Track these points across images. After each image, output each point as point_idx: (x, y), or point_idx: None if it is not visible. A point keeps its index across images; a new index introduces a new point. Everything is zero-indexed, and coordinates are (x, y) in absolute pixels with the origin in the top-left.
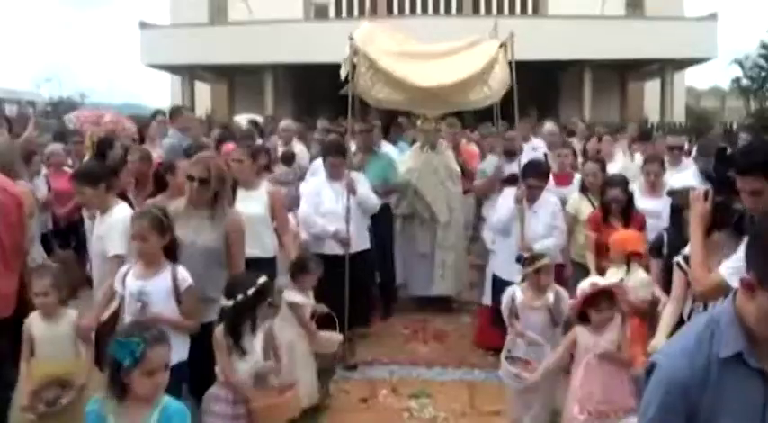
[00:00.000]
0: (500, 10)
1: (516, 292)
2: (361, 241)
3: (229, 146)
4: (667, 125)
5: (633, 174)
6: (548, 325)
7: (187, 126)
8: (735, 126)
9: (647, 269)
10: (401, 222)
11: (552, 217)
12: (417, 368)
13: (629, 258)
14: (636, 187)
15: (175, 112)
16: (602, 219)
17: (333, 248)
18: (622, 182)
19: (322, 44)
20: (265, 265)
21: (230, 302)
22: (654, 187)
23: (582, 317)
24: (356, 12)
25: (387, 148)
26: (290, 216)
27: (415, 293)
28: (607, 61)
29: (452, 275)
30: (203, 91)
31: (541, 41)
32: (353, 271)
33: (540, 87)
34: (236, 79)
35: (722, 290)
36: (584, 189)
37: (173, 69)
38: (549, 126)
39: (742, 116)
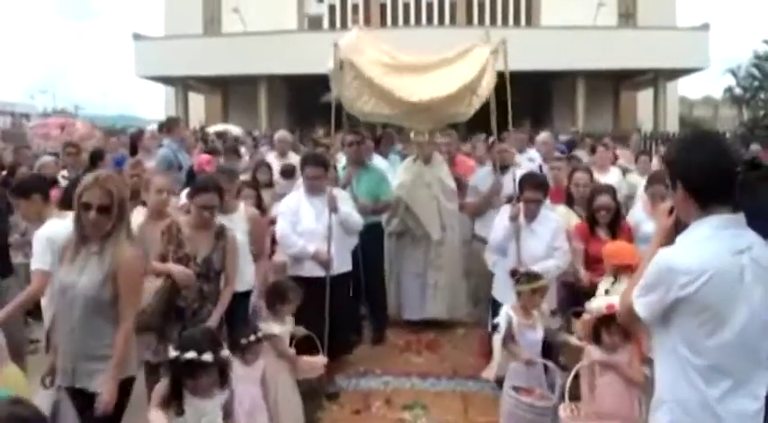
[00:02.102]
0: (493, 20)
1: (510, 314)
2: (342, 263)
3: (204, 157)
4: (661, 135)
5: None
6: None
7: (183, 137)
8: (728, 135)
9: None
10: (393, 241)
11: (552, 236)
12: (411, 379)
13: (618, 270)
14: (639, 208)
15: (173, 122)
16: (588, 230)
17: (312, 270)
18: (611, 189)
19: (316, 55)
20: (240, 299)
21: (186, 355)
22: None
23: (596, 336)
24: (350, 23)
25: (377, 161)
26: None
27: (408, 317)
28: (600, 71)
29: (445, 297)
30: (197, 102)
31: (535, 52)
32: (334, 295)
33: (534, 97)
34: (230, 90)
35: (632, 315)
36: (570, 201)
37: (166, 80)
38: (543, 135)
39: (735, 125)
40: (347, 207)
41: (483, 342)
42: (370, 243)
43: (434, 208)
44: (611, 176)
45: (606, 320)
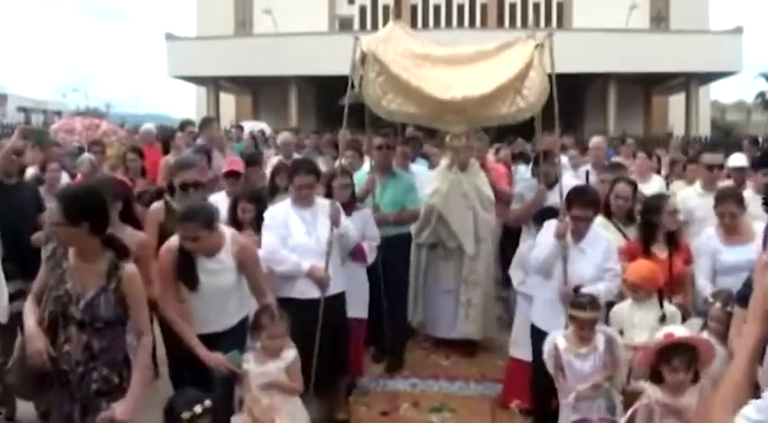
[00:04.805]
0: (524, 23)
1: (558, 340)
2: (336, 282)
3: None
4: (693, 139)
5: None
6: (599, 374)
7: (214, 137)
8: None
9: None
10: (423, 253)
11: (604, 256)
12: (439, 382)
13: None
14: (712, 234)
15: (205, 123)
16: (642, 248)
17: (305, 291)
18: (659, 197)
19: (346, 56)
20: (228, 335)
21: None
22: (731, 231)
23: (657, 375)
24: (380, 24)
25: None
26: None
27: (438, 335)
28: (632, 74)
29: (478, 316)
30: (228, 102)
31: (566, 54)
32: (330, 318)
33: (565, 101)
34: (261, 91)
35: None
36: (608, 213)
37: (198, 80)
38: (596, 140)
39: (767, 131)
40: (346, 221)
41: (515, 370)
42: (393, 256)
43: (470, 219)
44: (652, 186)
45: (665, 353)
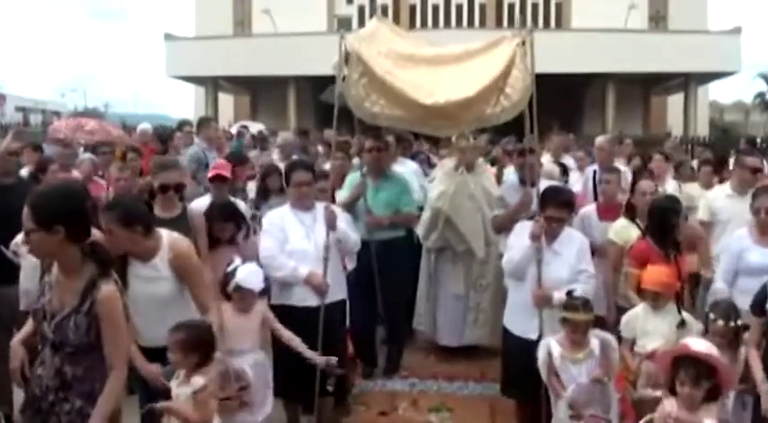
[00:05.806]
0: (523, 23)
1: (552, 345)
2: (336, 289)
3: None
4: (692, 139)
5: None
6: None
7: (212, 137)
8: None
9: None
10: (431, 257)
11: (578, 257)
12: (438, 382)
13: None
14: (744, 233)
15: (203, 123)
16: (663, 251)
17: (303, 298)
18: (677, 200)
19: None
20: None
21: None
22: (766, 230)
23: (673, 386)
24: None
25: (407, 166)
26: None
27: (445, 343)
28: (630, 75)
29: (488, 321)
30: (227, 102)
31: (564, 55)
32: (328, 326)
33: (563, 101)
34: (260, 91)
35: None
36: (630, 213)
37: (197, 80)
38: (601, 140)
39: (766, 131)
40: (343, 224)
41: None
42: (389, 260)
43: (478, 222)
44: (668, 189)
45: (678, 364)
